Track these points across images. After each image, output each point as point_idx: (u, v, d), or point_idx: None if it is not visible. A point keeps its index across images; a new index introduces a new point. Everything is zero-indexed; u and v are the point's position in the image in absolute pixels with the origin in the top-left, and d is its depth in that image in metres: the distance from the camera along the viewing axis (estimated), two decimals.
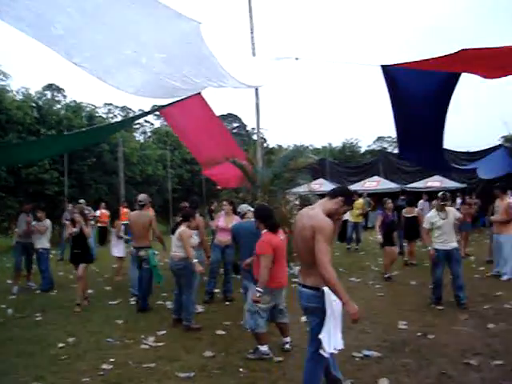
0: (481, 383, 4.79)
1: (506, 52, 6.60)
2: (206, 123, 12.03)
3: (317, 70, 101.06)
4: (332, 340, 3.96)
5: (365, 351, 5.73)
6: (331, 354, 4.14)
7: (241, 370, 5.36)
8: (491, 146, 23.65)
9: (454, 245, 7.92)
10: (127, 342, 6.49)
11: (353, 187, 22.17)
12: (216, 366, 5.52)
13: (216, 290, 9.08)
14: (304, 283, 4.13)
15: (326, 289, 3.92)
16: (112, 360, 5.76)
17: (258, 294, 5.33)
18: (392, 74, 8.39)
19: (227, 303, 8.69)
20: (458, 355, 5.57)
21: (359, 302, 7.64)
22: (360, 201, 15.97)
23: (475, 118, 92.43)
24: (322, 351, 3.99)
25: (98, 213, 16.96)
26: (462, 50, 6.54)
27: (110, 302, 8.91)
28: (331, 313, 3.95)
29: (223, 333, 6.80)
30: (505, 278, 9.87)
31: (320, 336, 3.96)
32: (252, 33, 11.48)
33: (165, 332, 6.90)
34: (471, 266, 11.39)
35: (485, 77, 7.83)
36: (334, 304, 3.94)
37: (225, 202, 9.23)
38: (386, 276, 10.24)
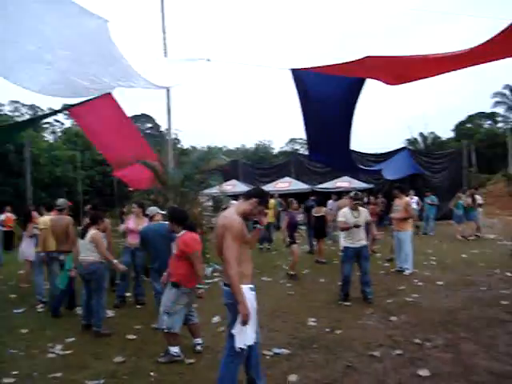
0: (383, 372, 5.06)
1: (406, 61, 7.00)
2: (116, 124, 11.76)
3: (231, 72, 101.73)
4: (243, 336, 4.05)
5: (275, 349, 5.85)
6: (255, 357, 4.34)
7: (152, 373, 5.30)
8: (396, 148, 24.79)
9: (363, 242, 8.28)
10: (33, 352, 6.20)
11: (265, 188, 22.48)
12: (126, 371, 5.42)
13: (127, 294, 8.89)
14: (224, 281, 4.27)
15: (244, 287, 4.06)
16: (15, 373, 5.48)
17: (200, 291, 5.56)
18: (301, 77, 8.61)
19: (139, 307, 8.53)
20: (363, 348, 5.84)
21: (270, 301, 7.86)
22: (272, 201, 16.25)
23: (383, 121, 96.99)
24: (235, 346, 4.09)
25: (2, 217, 16.09)
26: (367, 56, 6.83)
27: (15, 311, 8.46)
28: (252, 309, 4.07)
29: (134, 337, 6.68)
30: (407, 272, 10.44)
31: (232, 331, 4.06)
32: (164, 33, 11.36)
33: (73, 339, 6.65)
34: (377, 263, 11.93)
35: (387, 83, 8.23)
36: (252, 300, 4.09)
37: (134, 205, 9.09)
38: (292, 274, 10.52)
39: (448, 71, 7.25)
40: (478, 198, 17.82)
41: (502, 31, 4.93)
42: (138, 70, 6.71)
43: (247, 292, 4.07)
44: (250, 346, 4.17)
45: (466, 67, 6.77)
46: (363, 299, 8.18)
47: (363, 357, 5.55)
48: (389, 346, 5.88)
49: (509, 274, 10.04)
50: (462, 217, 17.36)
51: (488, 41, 5.27)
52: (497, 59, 6.23)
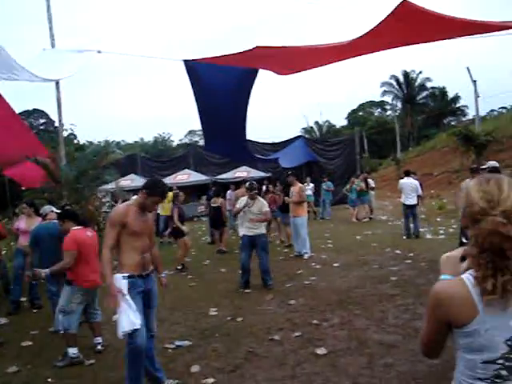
0: (283, 355, 5.19)
1: (294, 51, 7.18)
2: (1, 120, 11.03)
3: (127, 64, 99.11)
4: (121, 322, 4.04)
5: (177, 342, 5.82)
6: (150, 350, 4.35)
7: (49, 380, 5.05)
8: (292, 137, 25.42)
9: (259, 231, 8.41)
10: None
11: (164, 181, 22.19)
12: (21, 381, 5.13)
13: (22, 299, 8.40)
14: None
15: (116, 275, 4.11)
16: None
17: (42, 274, 5.65)
18: (194, 68, 8.56)
19: (35, 311, 8.10)
20: (263, 333, 5.96)
21: (170, 294, 7.76)
22: (170, 194, 16.04)
23: (280, 110, 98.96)
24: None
25: None
26: (256, 47, 6.91)
27: None
28: (121, 297, 4.04)
29: (30, 343, 6.31)
30: (306, 256, 10.79)
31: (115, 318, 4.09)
32: (50, 23, 10.83)
33: None
34: (277, 249, 12.22)
35: (278, 73, 8.40)
36: (122, 288, 4.08)
37: (24, 205, 8.61)
38: (180, 267, 10.46)
39: (335, 61, 7.53)
40: (371, 182, 18.80)
41: (379, 23, 5.18)
42: (21, 62, 6.32)
43: (119, 279, 4.09)
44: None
45: (351, 57, 7.06)
46: (263, 286, 8.34)
47: (264, 341, 5.66)
48: (288, 328, 6.05)
49: (398, 251, 10.69)
50: (355, 200, 18.21)
51: (369, 32, 5.52)
52: (378, 50, 6.55)
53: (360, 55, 6.88)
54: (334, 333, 5.78)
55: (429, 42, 6.12)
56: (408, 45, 6.23)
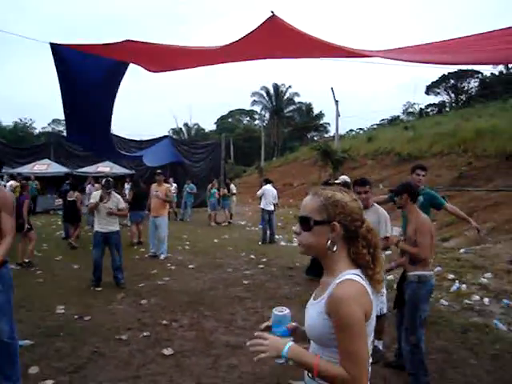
0: (129, 355, 5.12)
1: (166, 49, 7.12)
2: None
3: None
4: None
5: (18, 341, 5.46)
6: None
7: None
8: (159, 136, 25.12)
9: (112, 228, 8.21)
10: None
11: (22, 170, 20.79)
12: None
13: None
14: None
15: None
16: None
17: None
18: (62, 53, 8.11)
19: None
20: (111, 333, 5.81)
21: (16, 291, 7.24)
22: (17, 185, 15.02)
23: (151, 108, 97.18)
24: None
25: None
26: (127, 40, 6.75)
27: None
28: None
29: None
30: (162, 257, 10.72)
31: None
32: None
33: None
34: (133, 248, 12.01)
35: (148, 70, 8.28)
36: None
37: None
38: (25, 262, 9.80)
39: (204, 65, 7.61)
40: (233, 188, 19.22)
41: (249, 34, 5.33)
42: None
43: None
44: None
45: (220, 63, 7.18)
46: (116, 284, 8.15)
47: (110, 341, 5.53)
48: (137, 328, 5.98)
49: (253, 256, 11.07)
50: (216, 204, 18.50)
51: (238, 40, 5.66)
52: (245, 60, 6.73)
53: (228, 62, 7.02)
54: (182, 333, 5.82)
55: (293, 57, 6.43)
56: (273, 58, 6.48)
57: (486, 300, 7.36)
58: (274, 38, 5.19)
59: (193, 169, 24.80)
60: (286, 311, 1.95)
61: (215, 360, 4.99)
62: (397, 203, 4.72)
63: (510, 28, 4.26)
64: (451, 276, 8.71)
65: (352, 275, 1.76)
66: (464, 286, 8.16)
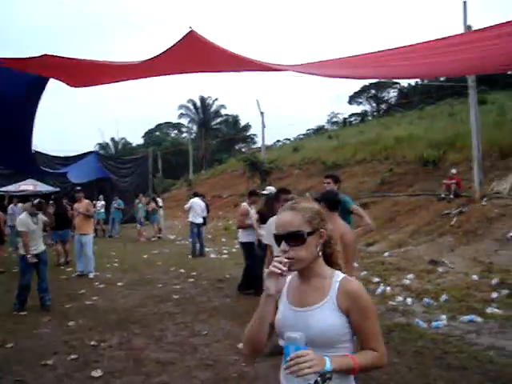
0: (55, 381, 4.96)
1: (85, 64, 7.02)
2: None
3: None
4: None
5: None
6: None
7: None
8: (84, 152, 24.49)
9: (42, 247, 7.96)
10: None
11: None
12: None
13: None
14: None
15: None
16: None
17: None
18: None
19: None
20: (36, 358, 5.59)
21: None
22: None
23: (75, 123, 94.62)
24: None
25: None
26: (45, 54, 6.59)
27: None
28: None
29: None
30: (91, 275, 10.44)
31: None
32: None
33: None
34: (60, 268, 11.63)
35: (69, 84, 8.11)
36: None
37: None
38: None
39: (127, 79, 7.54)
40: (159, 201, 19.07)
41: (170, 48, 5.37)
42: None
43: None
44: None
45: (142, 78, 7.16)
46: (41, 306, 7.85)
47: (35, 368, 5.32)
48: (64, 352, 5.79)
49: (182, 270, 11.01)
50: (144, 220, 18.29)
51: (159, 55, 5.68)
52: (167, 74, 6.76)
53: (150, 77, 7.02)
54: (111, 353, 5.71)
55: (213, 72, 6.52)
56: (194, 72, 6.55)
57: (409, 300, 7.71)
58: (194, 53, 5.26)
59: (120, 184, 24.33)
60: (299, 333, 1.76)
61: (145, 378, 4.93)
62: None
63: (427, 42, 4.53)
64: (376, 279, 9.06)
65: (342, 274, 1.97)
66: (388, 288, 8.50)
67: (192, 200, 13.81)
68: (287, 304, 1.99)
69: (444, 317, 6.71)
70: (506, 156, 15.70)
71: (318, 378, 1.79)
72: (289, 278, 2.07)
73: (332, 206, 4.61)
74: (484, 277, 8.59)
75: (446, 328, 6.36)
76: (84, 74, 7.51)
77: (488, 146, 15.61)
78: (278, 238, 1.92)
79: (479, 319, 6.59)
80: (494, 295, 7.55)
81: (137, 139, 68.94)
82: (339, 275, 1.95)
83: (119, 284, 9.68)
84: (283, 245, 1.89)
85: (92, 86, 8.16)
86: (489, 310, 6.89)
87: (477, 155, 13.60)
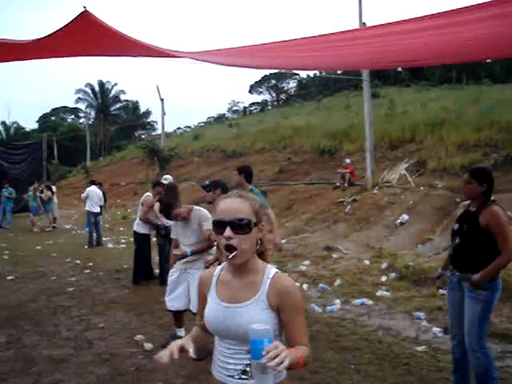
0: None
1: None
2: None
3: None
4: None
5: None
6: None
7: None
8: None
9: None
10: None
11: None
12: None
13: None
14: None
15: None
16: None
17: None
18: None
19: None
20: None
21: None
22: None
23: None
24: None
25: None
26: None
27: None
28: None
29: None
30: None
31: None
32: None
33: None
34: None
35: None
36: None
37: None
38: None
39: (16, 60, 7.08)
40: (54, 190, 18.25)
41: (61, 28, 5.07)
42: None
43: None
44: None
45: (29, 59, 6.74)
46: None
47: None
48: None
49: (78, 261, 10.62)
50: (38, 208, 17.41)
51: (50, 35, 5.34)
52: (59, 56, 6.42)
53: (42, 58, 6.63)
54: None
55: (108, 55, 6.28)
56: (88, 55, 6.26)
57: (305, 286, 7.98)
58: (88, 35, 5.01)
59: (12, 171, 22.87)
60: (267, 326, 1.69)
61: (37, 379, 4.65)
62: (209, 198, 4.71)
63: (325, 35, 4.62)
64: (274, 266, 9.25)
65: (275, 269, 1.96)
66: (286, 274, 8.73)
67: (89, 188, 13.32)
68: (216, 299, 1.95)
69: (338, 301, 7.03)
70: (395, 147, 16.70)
71: (248, 369, 1.82)
72: (217, 270, 2.05)
73: (226, 192, 4.64)
74: (375, 261, 9.08)
75: (339, 312, 6.68)
76: None
77: (379, 138, 16.49)
78: (221, 225, 1.84)
79: (370, 302, 6.98)
80: (383, 279, 8.03)
81: (31, 124, 65.28)
82: (271, 271, 1.93)
83: (9, 278, 9.10)
84: (228, 231, 1.80)
85: None
86: (379, 293, 7.31)
87: (369, 146, 14.31)
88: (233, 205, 1.87)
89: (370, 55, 4.84)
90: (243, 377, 1.85)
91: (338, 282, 8.04)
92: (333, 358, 4.99)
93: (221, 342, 1.93)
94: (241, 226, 1.82)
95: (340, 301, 7.05)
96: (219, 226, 1.84)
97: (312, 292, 7.74)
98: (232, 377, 1.86)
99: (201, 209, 5.30)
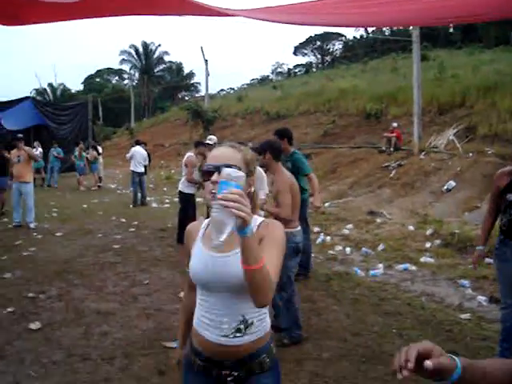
0: None
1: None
2: None
3: None
4: None
5: None
6: None
7: None
8: (20, 97, 23.28)
9: None
10: None
11: None
12: None
13: None
14: None
15: None
16: None
17: None
18: None
19: None
20: None
21: None
22: None
23: (7, 68, 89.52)
24: None
25: None
26: None
27: None
28: None
29: None
30: (32, 225, 10.02)
31: None
32: None
33: None
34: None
35: None
36: None
37: None
38: None
39: (63, 20, 7.10)
40: (100, 150, 18.58)
41: None
42: None
43: None
44: None
45: (78, 18, 6.74)
46: None
47: None
48: (0, 305, 5.63)
49: (123, 220, 10.87)
50: (84, 168, 17.81)
51: None
52: (112, 15, 6.39)
53: (85, 18, 6.61)
54: (50, 305, 5.58)
55: (155, 15, 6.22)
56: (133, 15, 6.20)
57: (348, 250, 7.95)
58: None
59: (59, 132, 23.32)
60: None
61: (86, 329, 4.86)
62: (260, 162, 4.63)
63: None
64: (317, 229, 9.23)
65: (261, 218, 1.92)
66: (328, 237, 8.72)
67: (133, 149, 13.50)
68: (203, 249, 1.90)
69: (381, 265, 6.98)
70: (443, 112, 16.17)
71: (241, 326, 1.80)
72: (204, 223, 2.01)
73: (277, 156, 4.57)
74: (419, 228, 8.93)
75: (382, 276, 6.63)
76: (14, 10, 7.03)
77: (428, 102, 15.99)
78: (208, 173, 1.79)
79: (413, 268, 6.90)
80: (428, 245, 7.90)
81: (76, 85, 66.33)
82: (257, 220, 1.88)
83: (58, 234, 9.43)
84: (215, 176, 1.73)
85: (23, 24, 7.66)
86: (422, 259, 7.21)
87: (417, 110, 13.91)
88: (224, 153, 1.84)
89: (425, 11, 4.63)
90: (237, 335, 1.82)
91: (381, 246, 7.97)
92: (375, 322, 4.98)
93: (209, 298, 1.87)
94: None
95: (383, 265, 7.00)
96: (207, 172, 1.80)
97: (355, 256, 7.71)
98: (227, 336, 1.82)
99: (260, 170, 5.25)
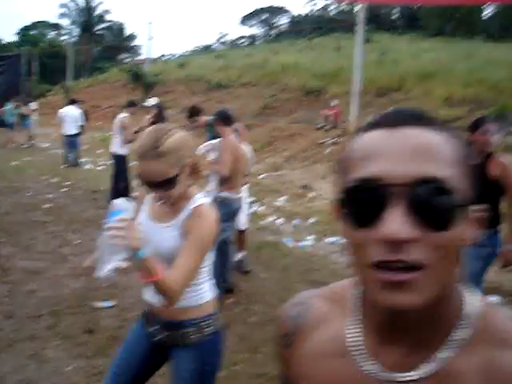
0: None
1: None
2: None
3: None
4: None
5: None
6: None
7: None
8: None
9: None
10: None
11: None
12: None
13: None
14: None
15: None
16: None
17: None
18: None
19: None
20: None
21: None
22: None
23: None
24: None
25: None
26: None
27: None
28: None
29: None
30: None
31: None
32: None
33: None
34: None
35: None
36: None
37: None
38: None
39: None
40: (33, 105, 17.84)
41: None
42: None
43: None
44: None
45: None
46: None
47: None
48: None
49: (55, 179, 10.58)
50: (15, 124, 17.07)
51: None
52: None
53: None
54: None
55: None
56: None
57: (280, 221, 8.13)
58: None
59: None
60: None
61: (12, 287, 4.78)
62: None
63: None
64: (250, 199, 9.34)
65: (202, 201, 1.94)
66: (261, 208, 8.87)
67: (61, 110, 13.07)
68: (147, 216, 1.99)
69: (311, 237, 7.20)
70: (382, 95, 16.59)
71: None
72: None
73: (226, 122, 4.83)
74: None
75: (311, 248, 6.85)
76: None
77: (367, 84, 16.34)
78: (147, 184, 1.87)
79: (342, 241, 7.15)
80: None
81: (9, 36, 62.77)
82: (196, 201, 1.92)
83: None
84: (154, 191, 1.87)
85: None
86: None
87: (356, 90, 14.18)
88: (150, 168, 1.80)
89: None
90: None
91: (312, 219, 8.20)
92: (302, 289, 5.09)
93: None
94: (163, 186, 1.82)
95: (313, 238, 7.22)
96: (145, 183, 1.88)
97: (286, 227, 7.90)
98: (155, 297, 1.89)
99: None
